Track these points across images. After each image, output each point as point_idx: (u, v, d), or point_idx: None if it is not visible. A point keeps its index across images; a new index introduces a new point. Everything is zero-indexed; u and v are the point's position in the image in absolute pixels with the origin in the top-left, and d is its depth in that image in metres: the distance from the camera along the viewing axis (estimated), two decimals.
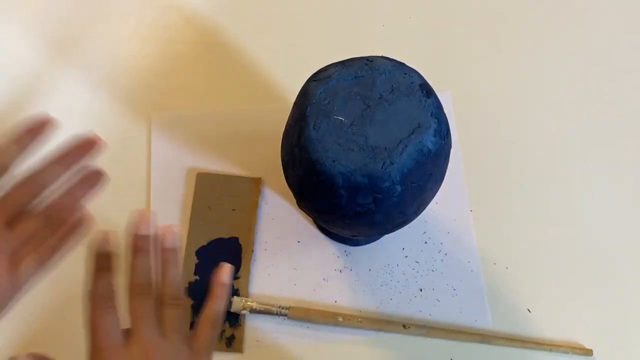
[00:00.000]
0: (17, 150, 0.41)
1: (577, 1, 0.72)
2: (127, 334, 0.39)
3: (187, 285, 0.58)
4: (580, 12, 0.72)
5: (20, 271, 0.40)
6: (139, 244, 0.41)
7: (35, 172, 0.42)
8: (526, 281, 0.59)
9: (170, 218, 0.61)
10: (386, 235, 0.60)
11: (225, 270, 0.44)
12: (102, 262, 0.40)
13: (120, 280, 0.40)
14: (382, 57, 0.48)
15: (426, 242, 0.60)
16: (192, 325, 0.57)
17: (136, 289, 0.40)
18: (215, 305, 0.42)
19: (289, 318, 0.56)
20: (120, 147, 0.65)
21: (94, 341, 0.38)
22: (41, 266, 0.41)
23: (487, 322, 0.58)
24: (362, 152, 0.43)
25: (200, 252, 0.59)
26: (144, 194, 0.62)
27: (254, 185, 0.62)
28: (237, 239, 0.60)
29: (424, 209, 0.50)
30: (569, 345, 0.57)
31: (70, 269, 0.48)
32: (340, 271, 0.59)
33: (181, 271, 0.41)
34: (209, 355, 0.41)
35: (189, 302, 0.58)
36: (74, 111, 0.66)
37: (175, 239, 0.42)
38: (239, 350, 0.56)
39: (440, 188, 0.50)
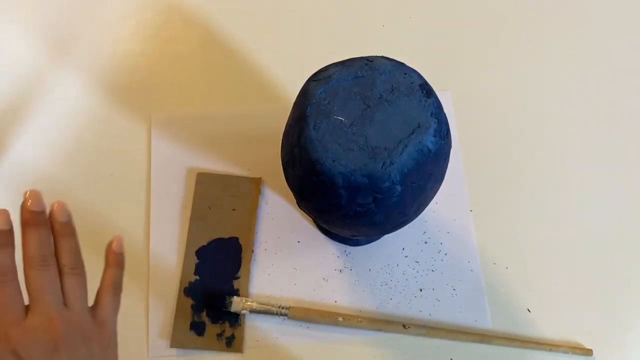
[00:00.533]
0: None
1: (577, 1, 0.72)
2: (29, 308, 0.38)
3: (187, 285, 0.58)
4: (580, 12, 0.72)
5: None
6: (30, 218, 0.40)
7: None
8: (526, 281, 0.59)
9: (170, 218, 0.61)
10: (386, 235, 0.60)
11: (117, 240, 0.43)
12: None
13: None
14: (382, 57, 0.48)
15: (426, 242, 0.60)
16: (192, 325, 0.57)
17: (31, 262, 0.39)
18: (112, 272, 0.42)
19: (289, 318, 0.56)
20: (121, 147, 0.65)
21: None
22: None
23: (487, 322, 0.58)
24: (362, 152, 0.43)
25: (200, 252, 0.59)
26: (144, 193, 0.62)
27: (254, 185, 0.62)
28: (237, 239, 0.60)
29: (424, 209, 0.50)
30: (569, 345, 0.57)
31: None
32: (340, 271, 0.59)
33: (78, 243, 0.42)
34: (113, 323, 0.41)
35: (188, 302, 0.58)
36: (74, 111, 0.66)
37: (66, 212, 0.42)
38: (239, 350, 0.56)
39: (440, 188, 0.50)
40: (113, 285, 0.42)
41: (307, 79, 0.48)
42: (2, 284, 0.37)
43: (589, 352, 0.56)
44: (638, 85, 0.68)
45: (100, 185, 0.63)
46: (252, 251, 0.59)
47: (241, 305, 0.56)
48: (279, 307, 0.56)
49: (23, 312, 0.38)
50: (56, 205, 0.42)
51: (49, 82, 0.68)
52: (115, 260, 0.43)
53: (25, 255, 0.39)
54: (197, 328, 0.57)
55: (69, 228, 0.41)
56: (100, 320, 0.40)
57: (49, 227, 0.41)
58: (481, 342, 0.56)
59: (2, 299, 0.37)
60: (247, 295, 0.58)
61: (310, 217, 0.56)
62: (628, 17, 0.72)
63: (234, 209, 0.61)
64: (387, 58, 0.48)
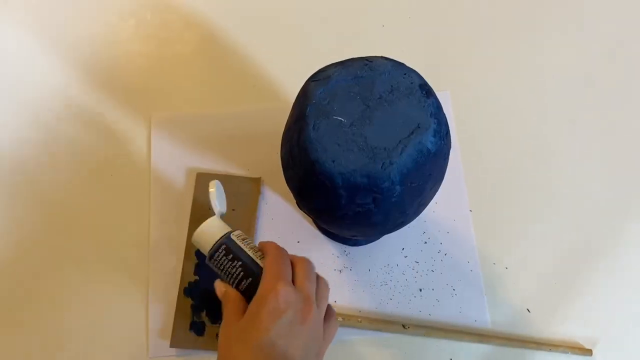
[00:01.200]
0: None
1: (576, 2, 0.72)
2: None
3: (187, 285, 0.58)
4: (580, 13, 0.72)
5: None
6: None
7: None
8: (526, 281, 0.59)
9: (170, 218, 0.61)
10: (386, 235, 0.60)
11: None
12: None
13: None
14: (381, 57, 0.48)
15: (426, 242, 0.60)
16: (191, 325, 0.57)
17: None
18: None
19: None
20: (121, 148, 0.65)
21: None
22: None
23: (487, 322, 0.58)
24: (362, 153, 0.43)
25: (200, 253, 0.59)
26: (145, 194, 0.62)
27: (254, 185, 0.62)
28: None
29: (424, 209, 0.50)
30: (569, 345, 0.57)
31: None
32: (340, 271, 0.59)
33: None
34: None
35: (188, 302, 0.58)
36: (74, 111, 0.66)
37: None
38: None
39: (440, 188, 0.50)
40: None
41: (307, 79, 0.48)
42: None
43: (588, 352, 0.56)
44: (638, 86, 0.68)
45: (100, 185, 0.63)
46: None
47: None
48: None
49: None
50: None
51: (48, 82, 0.68)
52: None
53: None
54: (197, 328, 0.57)
55: None
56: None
57: None
58: (481, 342, 0.56)
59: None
60: None
61: (310, 217, 0.56)
62: (628, 18, 0.72)
63: (233, 209, 0.61)
64: (387, 58, 0.48)
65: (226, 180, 0.62)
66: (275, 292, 0.41)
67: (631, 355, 0.57)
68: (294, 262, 0.45)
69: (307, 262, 0.45)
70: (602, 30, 0.71)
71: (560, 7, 0.72)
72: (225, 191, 0.62)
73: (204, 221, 0.60)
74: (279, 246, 0.46)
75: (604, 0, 0.72)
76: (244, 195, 0.62)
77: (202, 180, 0.62)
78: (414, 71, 0.47)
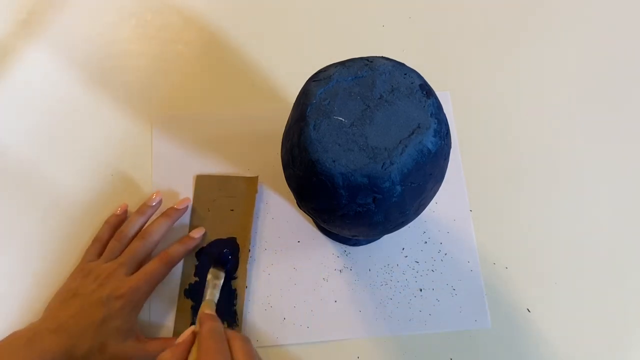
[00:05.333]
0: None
1: (576, 3, 0.73)
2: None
3: (187, 287, 0.58)
4: (580, 14, 0.72)
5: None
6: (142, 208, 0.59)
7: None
8: (526, 281, 0.59)
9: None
10: (386, 235, 0.60)
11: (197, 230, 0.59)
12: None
13: None
14: (382, 57, 0.48)
15: (426, 242, 0.61)
16: (191, 325, 0.57)
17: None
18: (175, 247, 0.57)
19: None
20: (121, 148, 0.65)
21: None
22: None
23: (487, 322, 0.58)
24: (362, 153, 0.43)
25: (199, 254, 0.59)
26: (145, 194, 0.62)
27: (250, 184, 0.62)
28: (234, 239, 0.60)
29: (424, 209, 0.50)
30: None
31: None
32: (340, 271, 0.59)
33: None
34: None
35: (188, 303, 0.58)
36: (73, 112, 0.66)
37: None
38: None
39: (440, 188, 0.50)
40: (167, 256, 0.57)
41: (307, 79, 0.48)
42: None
43: None
44: (638, 86, 0.68)
45: (100, 186, 0.63)
46: (249, 250, 0.60)
47: None
48: None
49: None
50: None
51: (48, 83, 0.68)
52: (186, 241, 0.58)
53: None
54: None
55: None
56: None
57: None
58: (481, 342, 0.56)
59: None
60: (243, 294, 0.58)
61: (310, 217, 0.56)
62: (628, 19, 0.72)
63: (232, 210, 0.61)
64: (387, 58, 0.48)
65: (223, 182, 0.62)
66: None
67: (631, 355, 0.57)
68: (230, 341, 0.44)
69: (246, 343, 0.44)
70: (604, 31, 0.71)
71: (561, 7, 0.72)
72: (223, 192, 0.62)
73: (203, 223, 0.61)
74: (214, 321, 0.46)
75: (605, 1, 0.72)
76: (241, 195, 0.62)
77: (200, 182, 0.62)
78: (415, 71, 0.47)
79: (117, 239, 0.57)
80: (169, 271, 0.56)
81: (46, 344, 0.48)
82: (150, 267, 0.54)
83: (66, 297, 0.53)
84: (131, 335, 0.51)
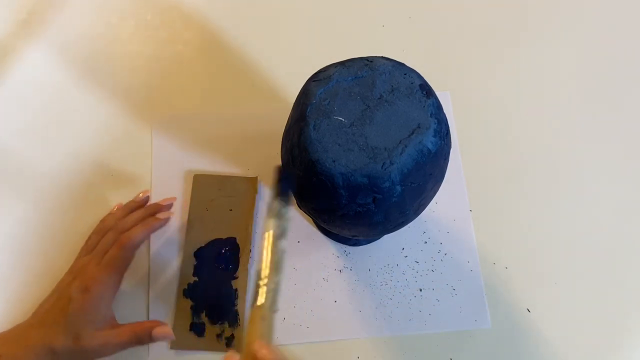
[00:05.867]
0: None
1: (576, 3, 0.73)
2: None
3: (186, 286, 0.58)
4: (580, 14, 0.72)
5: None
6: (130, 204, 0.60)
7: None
8: (526, 281, 0.59)
9: (170, 219, 0.61)
10: (386, 235, 0.60)
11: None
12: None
13: None
14: (382, 57, 0.48)
15: (426, 242, 0.60)
16: (191, 326, 0.57)
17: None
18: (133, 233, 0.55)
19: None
20: (121, 148, 0.65)
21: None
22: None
23: (487, 322, 0.58)
24: (362, 153, 0.43)
25: (198, 253, 0.59)
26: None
27: (250, 184, 0.62)
28: (234, 239, 0.60)
29: (424, 209, 0.50)
30: None
31: None
32: (340, 271, 0.59)
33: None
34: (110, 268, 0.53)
35: (188, 303, 0.58)
36: (74, 111, 0.66)
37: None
38: (239, 350, 0.56)
39: (440, 188, 0.50)
40: (126, 242, 0.55)
41: (307, 79, 0.48)
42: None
43: None
44: (637, 86, 0.68)
45: (100, 186, 0.63)
46: (250, 250, 0.59)
47: None
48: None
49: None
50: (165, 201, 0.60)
51: (48, 83, 0.68)
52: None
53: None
54: (197, 329, 0.57)
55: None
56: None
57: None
58: (481, 342, 0.56)
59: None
60: (244, 294, 0.58)
61: (310, 217, 0.56)
62: (628, 19, 0.72)
63: (231, 209, 0.61)
64: (387, 58, 0.48)
65: (222, 181, 0.62)
66: None
67: (631, 355, 0.57)
68: None
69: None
70: (603, 31, 0.71)
71: (561, 8, 0.72)
72: (222, 192, 0.62)
73: (201, 222, 0.60)
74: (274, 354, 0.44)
75: (605, 2, 0.72)
76: (240, 195, 0.62)
77: (198, 181, 0.62)
78: (414, 71, 0.47)
79: (96, 232, 0.58)
80: (132, 255, 0.55)
81: (30, 339, 0.50)
82: (110, 255, 0.54)
83: (50, 293, 0.55)
84: (105, 324, 0.52)
